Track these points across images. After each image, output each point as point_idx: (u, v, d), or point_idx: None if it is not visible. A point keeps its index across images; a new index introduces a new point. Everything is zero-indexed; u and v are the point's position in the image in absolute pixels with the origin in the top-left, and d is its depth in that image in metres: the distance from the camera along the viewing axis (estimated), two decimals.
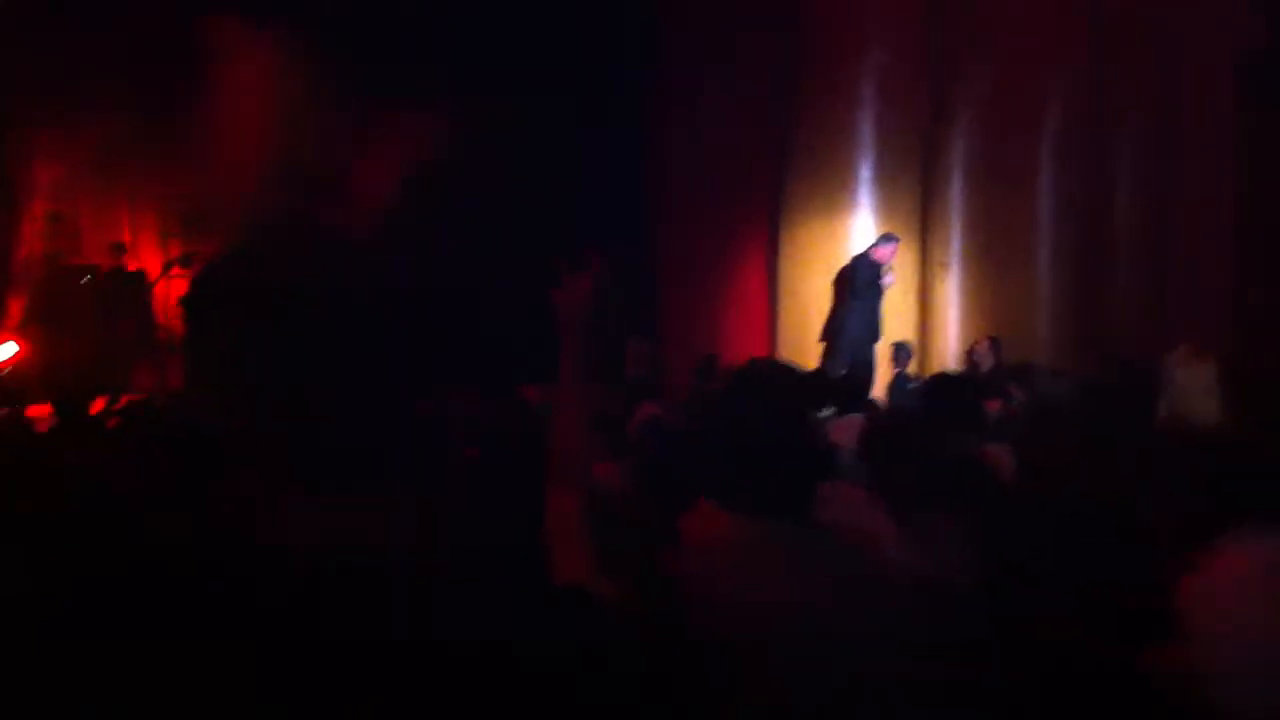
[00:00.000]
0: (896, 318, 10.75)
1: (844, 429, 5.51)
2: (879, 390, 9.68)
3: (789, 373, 2.46)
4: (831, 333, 10.58)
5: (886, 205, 10.78)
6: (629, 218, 12.43)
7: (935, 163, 10.87)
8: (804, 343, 10.75)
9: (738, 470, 2.12)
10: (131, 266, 12.45)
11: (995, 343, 10.13)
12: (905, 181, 10.86)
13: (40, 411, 8.34)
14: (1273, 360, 8.21)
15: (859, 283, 10.47)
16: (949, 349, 10.81)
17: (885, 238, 10.44)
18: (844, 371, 9.88)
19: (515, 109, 11.83)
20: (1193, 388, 6.12)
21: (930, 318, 11.01)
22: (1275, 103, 10.17)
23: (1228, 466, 2.87)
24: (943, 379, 5.10)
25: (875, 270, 10.38)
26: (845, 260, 10.68)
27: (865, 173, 10.73)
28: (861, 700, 2.02)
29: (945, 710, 2.10)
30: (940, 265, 10.89)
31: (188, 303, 11.23)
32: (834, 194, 10.81)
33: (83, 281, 12.06)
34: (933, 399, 4.16)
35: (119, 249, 12.25)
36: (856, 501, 2.56)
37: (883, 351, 10.37)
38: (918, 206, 10.96)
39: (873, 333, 10.50)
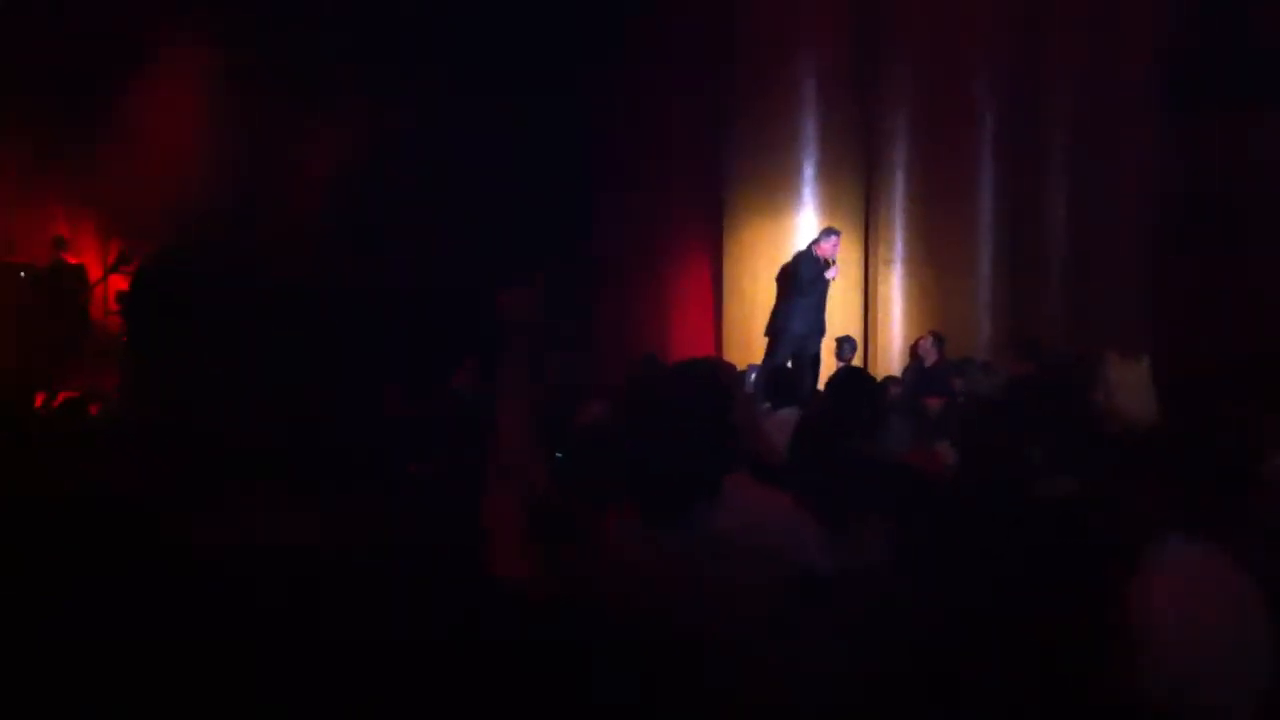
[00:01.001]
0: (841, 313, 10.84)
1: (780, 425, 5.58)
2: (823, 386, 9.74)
3: (711, 372, 2.45)
4: (775, 329, 10.63)
5: (830, 203, 10.85)
6: (568, 216, 12.42)
7: (878, 160, 10.96)
8: (749, 341, 10.80)
9: (633, 472, 2.12)
10: (71, 261, 12.26)
11: (939, 338, 10.25)
12: (849, 179, 10.94)
13: None
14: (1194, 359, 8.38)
15: (803, 278, 10.53)
16: (893, 344, 10.92)
17: (827, 231, 10.52)
18: (787, 366, 9.94)
19: (455, 108, 11.83)
20: (1124, 386, 6.24)
21: (875, 313, 11.11)
22: (1204, 103, 10.36)
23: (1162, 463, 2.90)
24: (843, 376, 5.16)
25: (819, 265, 10.47)
26: (788, 256, 10.75)
27: (809, 171, 10.79)
28: (743, 703, 2.02)
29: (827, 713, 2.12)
30: (884, 263, 11.00)
31: (125, 299, 11.08)
32: (777, 192, 10.86)
33: (20, 277, 11.87)
34: (837, 397, 4.17)
35: (59, 243, 12.07)
36: (777, 502, 2.57)
37: (827, 346, 10.44)
38: (862, 204, 11.05)
39: (818, 328, 10.58)
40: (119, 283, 12.54)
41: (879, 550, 2.66)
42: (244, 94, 11.58)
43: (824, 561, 2.54)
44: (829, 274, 10.45)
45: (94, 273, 12.44)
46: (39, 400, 8.12)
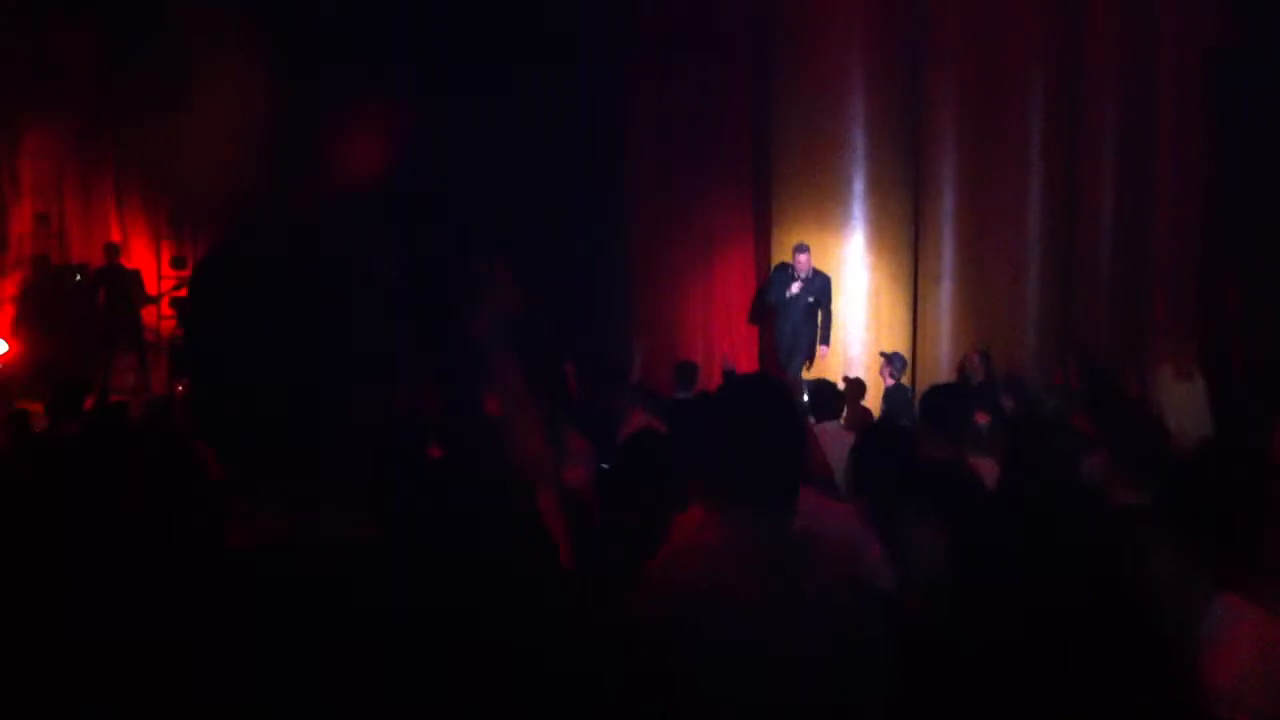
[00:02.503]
0: (889, 329, 10.78)
1: (824, 437, 5.55)
2: (873, 400, 9.66)
3: (780, 383, 2.46)
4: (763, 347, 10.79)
5: (878, 219, 10.80)
6: (608, 223, 12.44)
7: (926, 176, 10.89)
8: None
9: (725, 474, 2.13)
10: (126, 266, 12.40)
11: (985, 355, 10.16)
12: (897, 194, 10.88)
13: (31, 409, 8.35)
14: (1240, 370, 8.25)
15: (771, 294, 10.66)
16: (941, 360, 10.83)
17: (796, 248, 10.56)
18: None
19: (486, 111, 11.90)
20: (1178, 403, 6.17)
21: (923, 329, 11.04)
22: (1246, 102, 10.19)
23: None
24: (936, 390, 5.13)
25: (782, 281, 10.52)
26: (837, 270, 10.71)
27: (858, 185, 10.74)
28: (827, 703, 2.02)
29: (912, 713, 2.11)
30: (932, 279, 10.92)
31: (183, 303, 11.23)
32: (825, 208, 10.82)
33: (74, 281, 12.02)
34: (925, 410, 4.17)
35: (112, 249, 12.21)
36: (837, 509, 2.56)
37: (874, 362, 10.37)
38: (911, 219, 10.98)
39: (794, 347, 10.59)
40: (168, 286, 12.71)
41: (938, 564, 2.63)
42: (290, 94, 11.72)
43: (885, 573, 2.52)
44: (791, 289, 10.44)
45: (147, 277, 12.58)
46: (89, 402, 8.21)
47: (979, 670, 2.33)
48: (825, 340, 10.69)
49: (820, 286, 10.59)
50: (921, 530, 2.72)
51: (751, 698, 1.97)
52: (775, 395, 2.20)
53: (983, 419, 7.68)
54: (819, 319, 10.66)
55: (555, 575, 2.30)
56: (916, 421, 5.95)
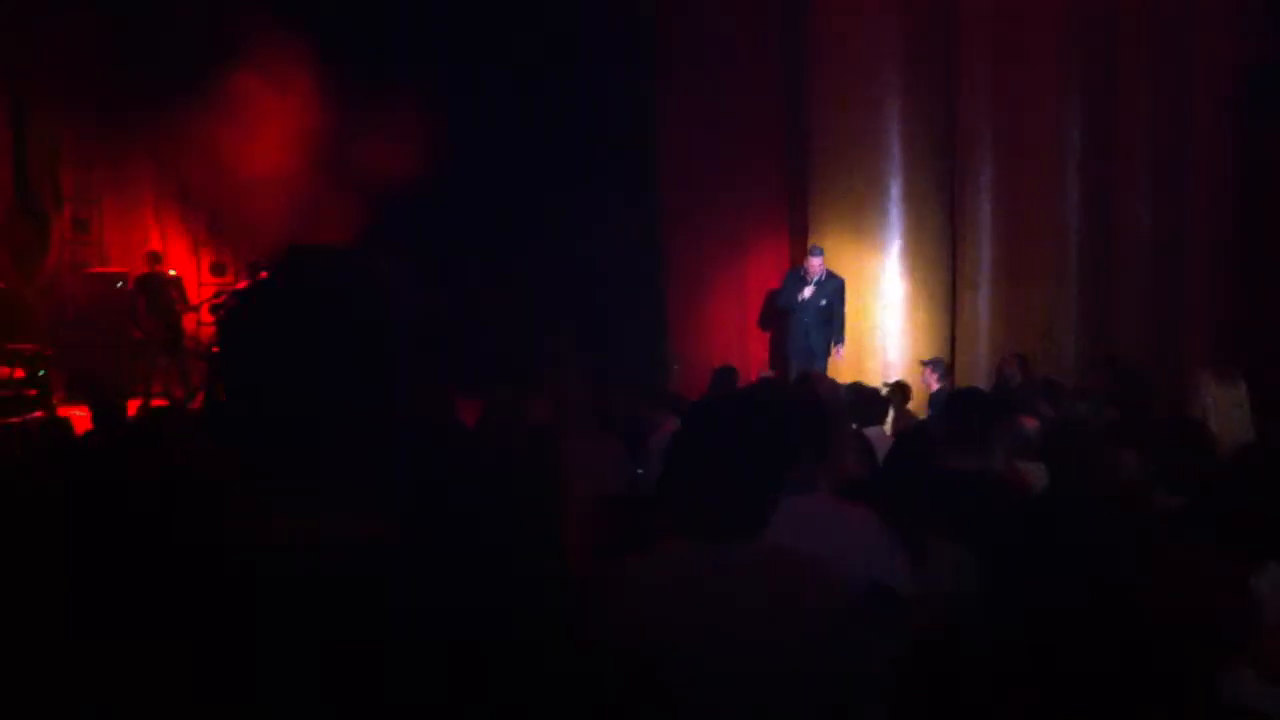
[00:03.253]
0: (927, 334, 10.72)
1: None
2: (918, 406, 9.59)
3: (776, 389, 2.45)
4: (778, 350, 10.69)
5: (915, 224, 10.74)
6: (641, 227, 12.44)
7: (963, 180, 10.82)
8: (833, 359, 10.72)
9: (683, 488, 2.09)
10: (167, 274, 12.52)
11: (1023, 359, 10.07)
12: (934, 199, 10.81)
13: (74, 413, 8.46)
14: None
15: (782, 298, 10.63)
16: (979, 365, 10.74)
17: (809, 250, 10.54)
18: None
19: (524, 111, 11.94)
20: (1221, 407, 6.09)
21: (960, 334, 10.95)
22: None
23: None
24: (958, 396, 5.08)
25: (797, 284, 10.49)
26: (875, 277, 10.67)
27: (895, 190, 10.69)
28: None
29: None
30: (970, 284, 10.83)
31: (226, 311, 11.37)
32: (862, 212, 10.77)
33: (118, 287, 12.15)
34: (949, 416, 4.13)
35: (154, 257, 12.33)
36: (854, 513, 2.53)
37: (913, 368, 10.30)
38: (948, 224, 10.90)
39: (805, 351, 10.52)
40: (207, 292, 12.82)
41: (966, 570, 2.60)
42: (334, 104, 11.84)
43: (904, 578, 2.49)
44: (802, 294, 10.39)
45: (187, 285, 12.70)
46: (135, 406, 8.30)
47: (998, 676, 2.31)
48: (839, 340, 10.64)
49: (833, 289, 10.56)
50: (940, 538, 2.70)
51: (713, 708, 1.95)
52: (750, 410, 2.14)
53: (1031, 423, 7.59)
54: (832, 322, 10.63)
55: (558, 577, 2.30)
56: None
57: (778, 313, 10.84)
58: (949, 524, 2.78)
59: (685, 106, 12.06)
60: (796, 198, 11.58)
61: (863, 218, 10.77)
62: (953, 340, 10.97)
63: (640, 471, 5.89)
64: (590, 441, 5.34)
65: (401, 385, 1.32)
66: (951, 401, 4.50)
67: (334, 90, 11.97)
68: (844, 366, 10.45)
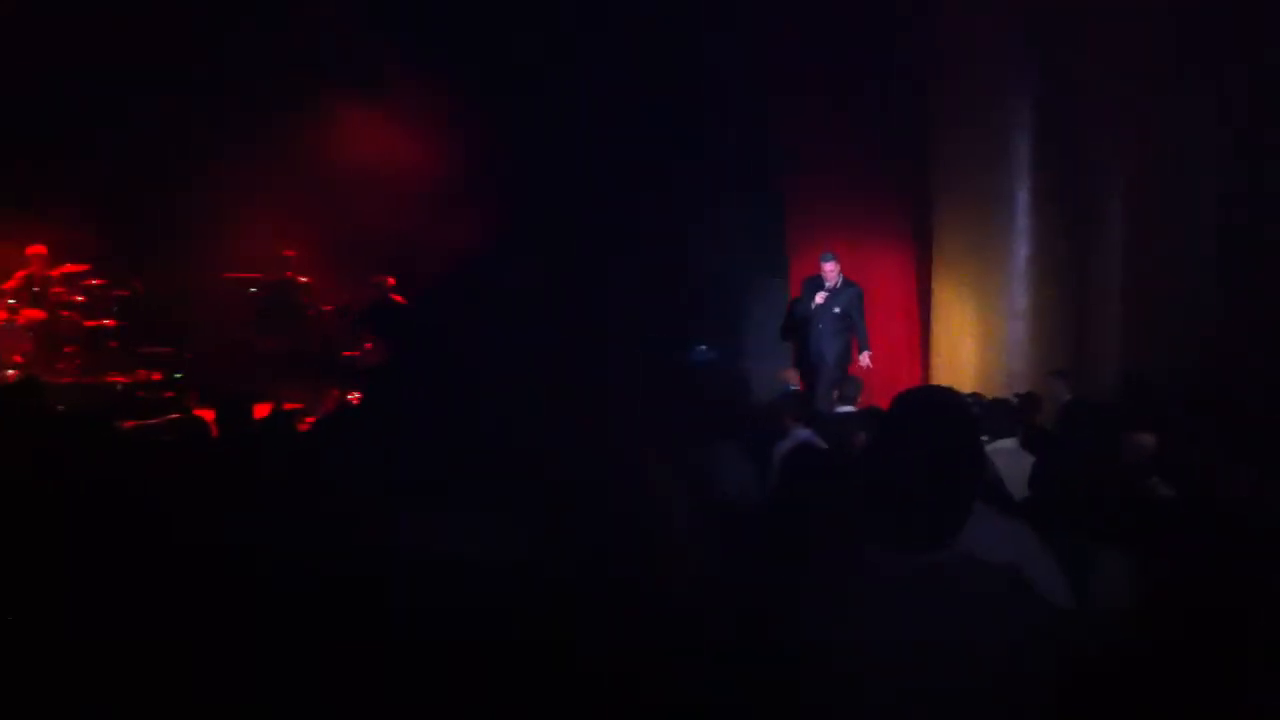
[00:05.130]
0: (1049, 347, 10.42)
1: (997, 455, 5.38)
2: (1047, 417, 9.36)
3: (961, 400, 2.42)
4: (799, 359, 10.67)
5: (1041, 231, 10.47)
6: (765, 233, 12.42)
7: (1093, 186, 10.48)
8: (957, 368, 10.52)
9: (885, 501, 2.10)
10: (299, 279, 12.80)
11: (1065, 374, 9.77)
12: (1061, 206, 10.51)
13: (205, 416, 8.70)
14: None
15: (798, 307, 10.61)
16: (1107, 378, 10.43)
17: (821, 257, 10.43)
18: (825, 393, 9.74)
19: (641, 120, 11.99)
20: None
21: (1088, 347, 10.62)
22: None
23: None
24: (1078, 409, 4.96)
25: (814, 292, 10.38)
26: (1000, 286, 10.45)
27: (1021, 196, 10.44)
28: None
29: None
30: (1100, 294, 10.48)
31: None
32: (987, 220, 10.55)
33: (250, 293, 12.46)
34: (1073, 428, 4.04)
35: (286, 262, 12.62)
36: (1009, 527, 2.50)
37: (1039, 380, 10.05)
38: (1076, 231, 10.58)
39: (823, 353, 10.40)
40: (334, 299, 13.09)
41: (1121, 586, 2.54)
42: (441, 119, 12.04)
43: (1061, 593, 2.45)
44: (817, 299, 10.28)
45: (318, 289, 12.98)
46: (265, 410, 8.48)
47: (1157, 687, 2.27)
48: (864, 346, 10.54)
49: (849, 297, 10.44)
50: (1101, 551, 2.65)
51: None
52: (953, 415, 2.16)
53: (1147, 438, 7.35)
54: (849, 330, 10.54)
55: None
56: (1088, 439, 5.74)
57: (795, 322, 10.71)
58: (1100, 534, 2.74)
59: (807, 109, 11.98)
60: (920, 203, 11.39)
61: (987, 225, 10.55)
62: (1080, 351, 10.64)
63: (764, 481, 5.85)
64: (717, 448, 5.31)
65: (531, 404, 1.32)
66: (1080, 413, 4.41)
67: (456, 101, 12.15)
68: (967, 374, 10.27)
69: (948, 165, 10.84)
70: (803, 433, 6.17)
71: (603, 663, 1.16)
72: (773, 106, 12.36)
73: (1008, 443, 5.83)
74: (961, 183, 10.70)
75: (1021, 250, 10.50)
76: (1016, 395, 8.82)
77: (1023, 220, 10.46)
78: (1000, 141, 10.46)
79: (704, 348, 12.23)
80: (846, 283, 10.49)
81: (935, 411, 2.18)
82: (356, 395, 10.31)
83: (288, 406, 9.14)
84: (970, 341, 10.63)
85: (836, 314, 10.43)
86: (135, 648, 1.26)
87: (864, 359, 10.50)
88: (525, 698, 1.13)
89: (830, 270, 10.40)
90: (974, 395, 7.98)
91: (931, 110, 10.99)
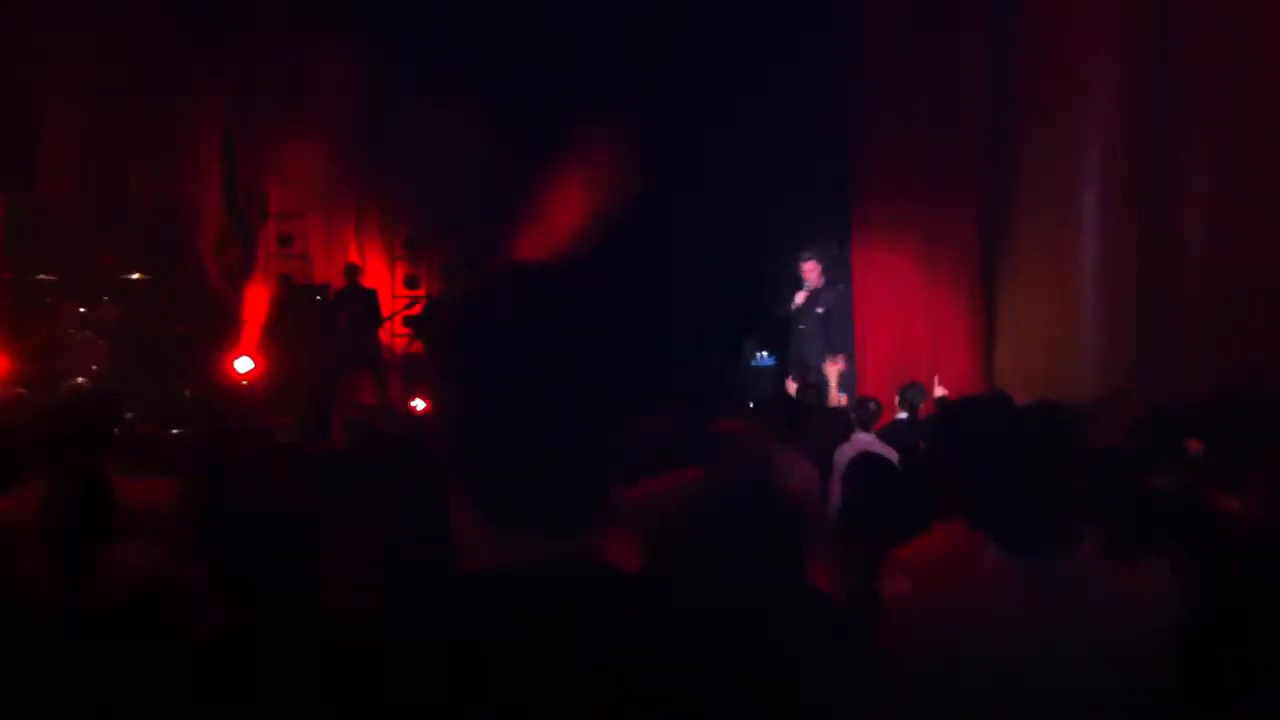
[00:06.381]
0: (1124, 355, 10.21)
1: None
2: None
3: (1066, 411, 2.48)
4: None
5: (1110, 233, 10.27)
6: (833, 235, 12.36)
7: (1172, 195, 10.19)
8: (1021, 373, 10.38)
9: (1012, 505, 2.14)
10: (365, 286, 12.98)
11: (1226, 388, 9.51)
12: (1131, 210, 10.31)
13: (277, 423, 8.84)
14: None
15: (782, 306, 10.58)
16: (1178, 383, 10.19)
17: (800, 257, 10.42)
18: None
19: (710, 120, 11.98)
20: None
21: (1162, 351, 10.34)
22: None
23: None
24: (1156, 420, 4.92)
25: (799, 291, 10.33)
26: (1067, 289, 10.30)
27: (1090, 199, 10.26)
28: None
29: None
30: (1174, 301, 10.19)
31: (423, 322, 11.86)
32: (1056, 220, 10.40)
33: (315, 300, 12.66)
34: (1139, 437, 4.03)
35: (353, 270, 12.81)
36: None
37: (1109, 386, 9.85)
38: (1145, 237, 10.34)
39: (804, 353, 10.35)
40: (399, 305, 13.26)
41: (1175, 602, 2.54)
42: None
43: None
44: (796, 300, 10.18)
45: (381, 297, 13.16)
46: (333, 417, 8.61)
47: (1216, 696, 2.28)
48: (836, 350, 10.40)
49: (831, 298, 10.33)
50: (1155, 564, 2.65)
51: None
52: (1059, 421, 2.21)
53: (1194, 446, 7.18)
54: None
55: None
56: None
57: (781, 323, 10.65)
58: (1158, 545, 2.74)
59: (881, 111, 11.88)
60: (989, 206, 11.22)
61: (1054, 228, 10.40)
62: (1149, 357, 10.42)
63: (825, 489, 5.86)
64: (778, 452, 5.33)
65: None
66: (1146, 421, 4.37)
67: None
68: (1032, 379, 10.11)
69: (1016, 168, 10.68)
70: (864, 437, 6.17)
71: (602, 662, 1.19)
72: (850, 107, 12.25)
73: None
74: (1029, 186, 10.56)
75: (1088, 254, 10.32)
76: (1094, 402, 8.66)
77: (1090, 225, 10.28)
78: (1071, 144, 10.27)
79: (765, 354, 12.21)
80: (830, 283, 10.40)
81: (1046, 421, 2.23)
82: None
83: (354, 414, 9.23)
84: (1040, 352, 10.45)
85: (819, 314, 10.36)
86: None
87: (830, 367, 10.22)
88: (525, 698, 1.16)
89: (810, 270, 10.30)
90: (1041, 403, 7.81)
91: (1006, 111, 10.80)
